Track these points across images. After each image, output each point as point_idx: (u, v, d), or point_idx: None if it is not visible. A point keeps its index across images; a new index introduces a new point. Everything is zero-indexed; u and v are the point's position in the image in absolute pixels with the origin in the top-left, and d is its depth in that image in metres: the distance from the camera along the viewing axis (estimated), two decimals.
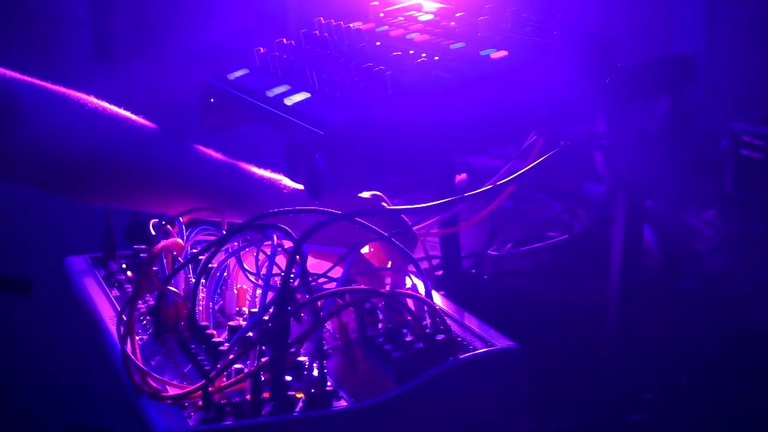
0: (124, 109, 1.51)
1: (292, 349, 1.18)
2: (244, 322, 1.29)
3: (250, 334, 1.20)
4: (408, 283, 1.40)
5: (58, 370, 2.52)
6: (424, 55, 1.52)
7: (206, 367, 1.26)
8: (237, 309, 1.43)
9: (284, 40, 1.74)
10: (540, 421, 1.50)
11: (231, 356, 1.17)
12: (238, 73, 1.63)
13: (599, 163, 1.70)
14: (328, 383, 1.18)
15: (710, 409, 1.55)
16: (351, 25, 1.72)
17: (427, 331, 1.23)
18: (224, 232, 1.41)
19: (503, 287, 2.01)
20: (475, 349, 1.23)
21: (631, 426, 1.52)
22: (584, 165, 1.90)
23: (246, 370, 1.16)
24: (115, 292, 1.52)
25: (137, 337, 1.31)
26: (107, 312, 1.44)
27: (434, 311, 1.24)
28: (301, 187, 1.38)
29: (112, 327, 1.36)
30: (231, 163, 1.52)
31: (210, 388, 1.15)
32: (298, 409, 1.15)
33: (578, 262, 2.03)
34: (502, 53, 1.45)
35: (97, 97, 1.61)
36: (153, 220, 1.47)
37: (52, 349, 2.49)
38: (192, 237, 1.42)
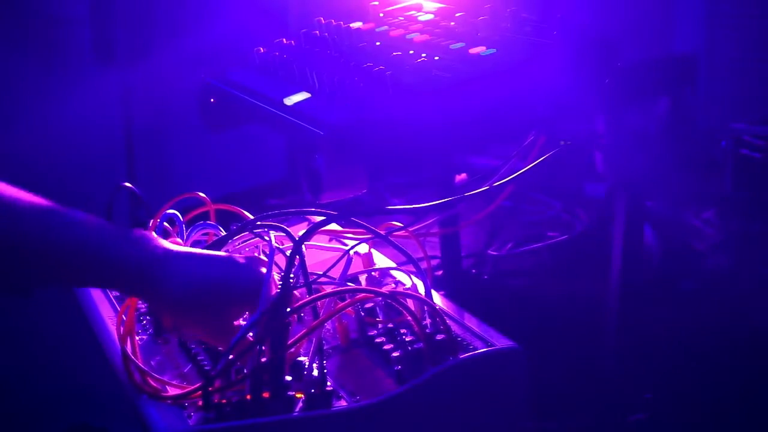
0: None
1: (292, 349, 1.18)
2: (244, 322, 1.29)
3: (250, 334, 1.20)
4: (408, 283, 1.40)
5: (58, 370, 2.52)
6: (424, 55, 1.52)
7: (206, 367, 1.26)
8: None
9: (284, 40, 1.74)
10: (540, 421, 1.49)
11: (231, 356, 1.17)
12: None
13: (599, 163, 1.70)
14: (328, 383, 1.18)
15: (710, 409, 1.55)
16: (351, 25, 1.72)
17: (427, 331, 1.23)
18: (224, 232, 1.41)
19: (503, 287, 2.01)
20: (475, 349, 1.23)
21: (632, 426, 1.52)
22: (584, 165, 1.90)
23: (246, 370, 1.16)
24: (115, 292, 1.52)
25: (137, 337, 1.31)
26: (107, 312, 1.44)
27: (434, 311, 1.24)
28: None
29: (112, 327, 1.36)
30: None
31: (210, 388, 1.15)
32: (298, 409, 1.15)
33: (578, 262, 2.03)
34: (501, 53, 1.46)
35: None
36: (152, 220, 1.47)
37: (52, 349, 2.49)
38: (191, 237, 1.42)
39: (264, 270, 1.24)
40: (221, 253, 1.27)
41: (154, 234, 1.23)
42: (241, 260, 1.24)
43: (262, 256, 1.30)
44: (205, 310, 1.20)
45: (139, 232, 1.21)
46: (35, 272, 1.19)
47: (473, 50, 1.48)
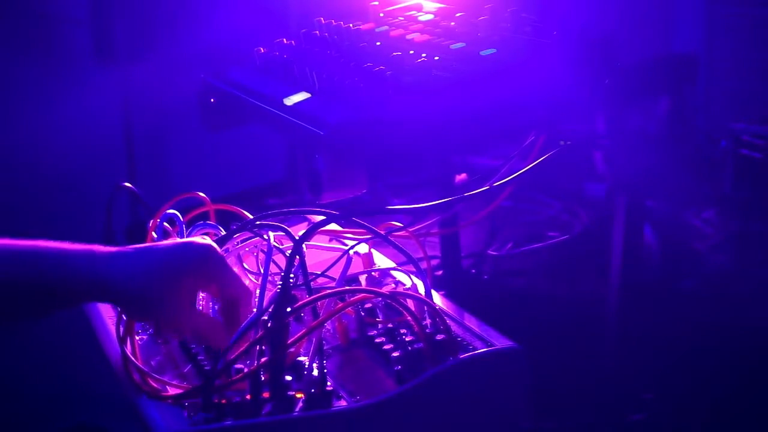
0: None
1: (292, 349, 1.18)
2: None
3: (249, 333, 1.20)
4: (408, 283, 1.40)
5: (58, 370, 2.52)
6: (424, 55, 1.52)
7: (206, 367, 1.26)
8: None
9: (285, 40, 1.74)
10: (539, 421, 1.49)
11: (231, 356, 1.17)
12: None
13: (599, 163, 1.70)
14: (328, 383, 1.18)
15: (710, 409, 1.55)
16: (351, 25, 1.72)
17: (427, 331, 1.23)
18: (224, 232, 1.41)
19: (503, 287, 2.01)
20: (475, 349, 1.23)
21: (631, 426, 1.52)
22: (584, 165, 1.90)
23: (246, 370, 1.16)
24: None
25: (137, 337, 1.31)
26: (107, 312, 1.43)
27: (434, 311, 1.24)
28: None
29: (112, 327, 1.36)
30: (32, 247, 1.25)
31: (210, 388, 1.15)
32: (298, 409, 1.15)
33: (578, 262, 2.03)
34: (501, 53, 1.46)
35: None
36: (152, 220, 1.47)
37: (52, 349, 2.49)
38: (191, 236, 1.42)
39: (198, 240, 1.27)
40: (146, 244, 1.30)
41: (77, 245, 1.25)
42: (170, 244, 1.28)
43: (198, 238, 1.30)
44: (161, 295, 1.23)
45: (82, 246, 1.24)
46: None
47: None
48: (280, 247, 1.34)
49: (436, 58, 1.50)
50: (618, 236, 1.51)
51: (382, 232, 1.36)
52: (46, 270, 1.21)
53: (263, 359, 1.15)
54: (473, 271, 2.04)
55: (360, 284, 1.41)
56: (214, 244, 1.27)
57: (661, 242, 1.87)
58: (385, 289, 1.34)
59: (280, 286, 1.19)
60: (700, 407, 1.55)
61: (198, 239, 1.28)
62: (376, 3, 1.81)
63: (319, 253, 1.44)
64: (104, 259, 1.23)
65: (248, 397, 1.15)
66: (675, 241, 1.91)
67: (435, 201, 1.42)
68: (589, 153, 1.79)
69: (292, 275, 1.20)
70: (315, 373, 1.17)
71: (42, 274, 1.21)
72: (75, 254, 1.23)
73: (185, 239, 1.31)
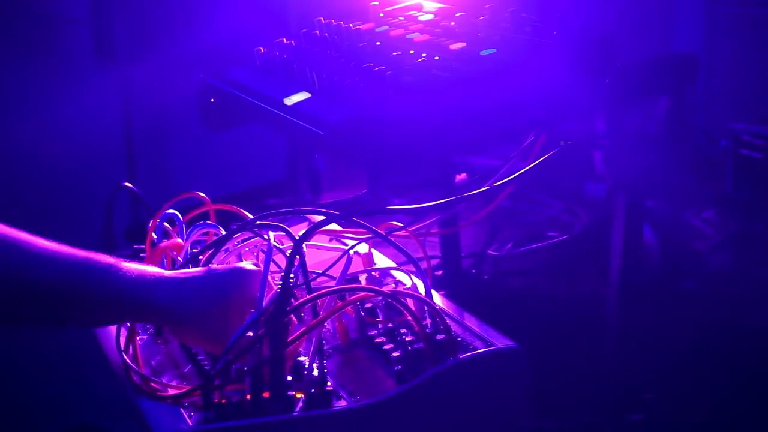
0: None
1: (291, 348, 1.18)
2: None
3: (250, 333, 1.20)
4: (408, 282, 1.40)
5: (58, 370, 2.52)
6: (424, 54, 1.52)
7: (206, 367, 1.26)
8: None
9: (285, 40, 1.74)
10: (539, 421, 1.49)
11: (230, 356, 1.17)
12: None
13: (599, 163, 1.70)
14: (328, 383, 1.18)
15: (710, 409, 1.55)
16: (351, 25, 1.72)
17: (428, 331, 1.23)
18: (224, 232, 1.41)
19: (503, 287, 2.01)
20: (475, 349, 1.22)
21: (631, 426, 1.52)
22: (584, 165, 1.90)
23: (246, 370, 1.16)
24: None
25: (137, 337, 1.31)
26: None
27: (434, 311, 1.24)
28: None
29: (112, 328, 1.36)
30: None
31: (209, 388, 1.15)
32: (298, 409, 1.15)
33: (578, 262, 2.03)
34: (500, 53, 1.46)
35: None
36: (152, 220, 1.47)
37: (52, 349, 2.49)
38: (192, 237, 1.42)
39: (247, 266, 1.26)
40: (199, 269, 1.28)
41: (129, 263, 1.24)
42: (222, 270, 1.27)
43: (248, 264, 1.29)
44: (209, 325, 1.23)
45: (123, 263, 1.22)
46: (30, 314, 1.20)
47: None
48: (280, 246, 1.34)
49: (436, 57, 1.50)
50: (618, 236, 1.50)
51: (382, 232, 1.36)
52: (98, 283, 1.19)
53: (263, 358, 1.15)
54: (473, 271, 2.04)
55: (360, 284, 1.41)
56: (261, 270, 1.26)
57: (661, 242, 1.87)
58: (385, 289, 1.34)
59: (280, 286, 1.19)
60: (700, 407, 1.55)
61: (247, 265, 1.28)
62: (376, 3, 1.81)
63: (319, 253, 1.44)
64: (157, 282, 1.22)
65: (248, 396, 1.15)
66: (675, 241, 1.91)
67: (435, 201, 1.42)
68: (589, 153, 1.79)
69: (292, 275, 1.20)
70: (315, 373, 1.17)
71: (94, 286, 1.19)
72: (128, 274, 1.21)
73: (235, 265, 1.29)
